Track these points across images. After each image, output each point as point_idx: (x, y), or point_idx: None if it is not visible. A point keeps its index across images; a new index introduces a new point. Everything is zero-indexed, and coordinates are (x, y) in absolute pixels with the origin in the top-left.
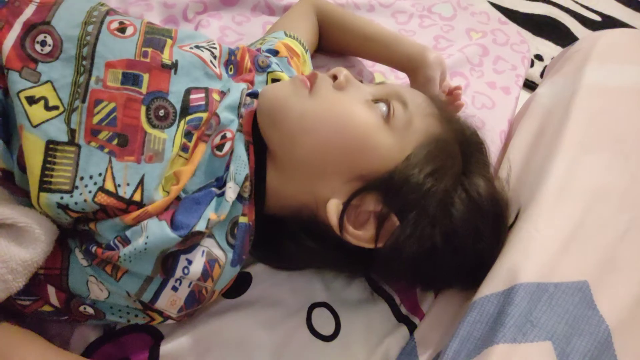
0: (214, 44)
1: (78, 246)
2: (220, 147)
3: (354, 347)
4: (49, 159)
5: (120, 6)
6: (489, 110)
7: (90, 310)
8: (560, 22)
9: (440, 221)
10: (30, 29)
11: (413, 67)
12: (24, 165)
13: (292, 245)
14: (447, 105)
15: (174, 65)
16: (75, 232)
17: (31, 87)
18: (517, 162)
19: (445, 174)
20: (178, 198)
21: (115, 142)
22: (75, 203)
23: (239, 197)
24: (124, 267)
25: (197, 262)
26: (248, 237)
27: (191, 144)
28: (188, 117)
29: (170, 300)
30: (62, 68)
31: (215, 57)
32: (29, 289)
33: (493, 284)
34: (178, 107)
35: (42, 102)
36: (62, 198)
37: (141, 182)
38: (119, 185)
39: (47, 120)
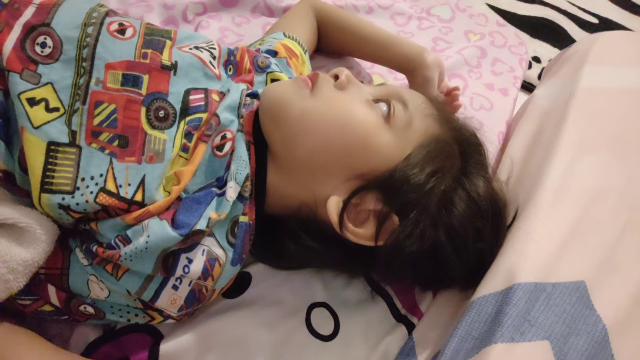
0: (213, 44)
1: (79, 245)
2: (220, 147)
3: (353, 347)
4: (50, 160)
5: (120, 7)
6: (487, 111)
7: (90, 310)
8: (558, 24)
9: (441, 220)
10: (30, 30)
11: (411, 68)
12: (25, 166)
13: (292, 243)
14: (445, 106)
15: (174, 66)
16: (75, 231)
17: (32, 89)
18: (515, 163)
19: (445, 174)
20: (179, 198)
21: (115, 143)
22: (77, 204)
23: (240, 197)
24: (124, 266)
25: (198, 261)
26: (248, 236)
27: (191, 145)
28: (188, 118)
29: (171, 299)
30: (62, 70)
31: (214, 58)
32: (30, 288)
33: (491, 284)
34: (178, 107)
35: (42, 104)
36: (63, 199)
37: (142, 183)
38: (121, 186)
39: (48, 121)
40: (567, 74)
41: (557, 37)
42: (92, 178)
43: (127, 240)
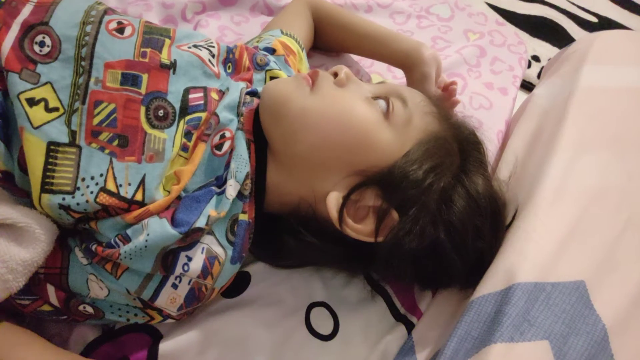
0: (212, 42)
1: (78, 245)
2: (219, 146)
3: (352, 346)
4: (50, 160)
5: (118, 6)
6: (486, 110)
7: (89, 310)
8: (557, 23)
9: (440, 217)
10: (28, 29)
11: (409, 63)
12: (24, 166)
13: (292, 240)
14: (443, 102)
15: (173, 65)
16: (75, 230)
17: (31, 89)
18: (514, 163)
19: (444, 171)
20: (179, 197)
21: (115, 143)
22: (77, 204)
23: (240, 195)
24: (124, 265)
25: (197, 259)
26: (248, 235)
27: (191, 144)
28: (187, 117)
29: (170, 298)
30: (61, 69)
31: (213, 56)
32: (29, 288)
33: (491, 284)
34: (177, 107)
35: (42, 104)
36: (64, 199)
37: (142, 182)
38: (121, 185)
39: (48, 122)
40: (567, 73)
41: (557, 36)
42: (92, 178)
43: (126, 239)
